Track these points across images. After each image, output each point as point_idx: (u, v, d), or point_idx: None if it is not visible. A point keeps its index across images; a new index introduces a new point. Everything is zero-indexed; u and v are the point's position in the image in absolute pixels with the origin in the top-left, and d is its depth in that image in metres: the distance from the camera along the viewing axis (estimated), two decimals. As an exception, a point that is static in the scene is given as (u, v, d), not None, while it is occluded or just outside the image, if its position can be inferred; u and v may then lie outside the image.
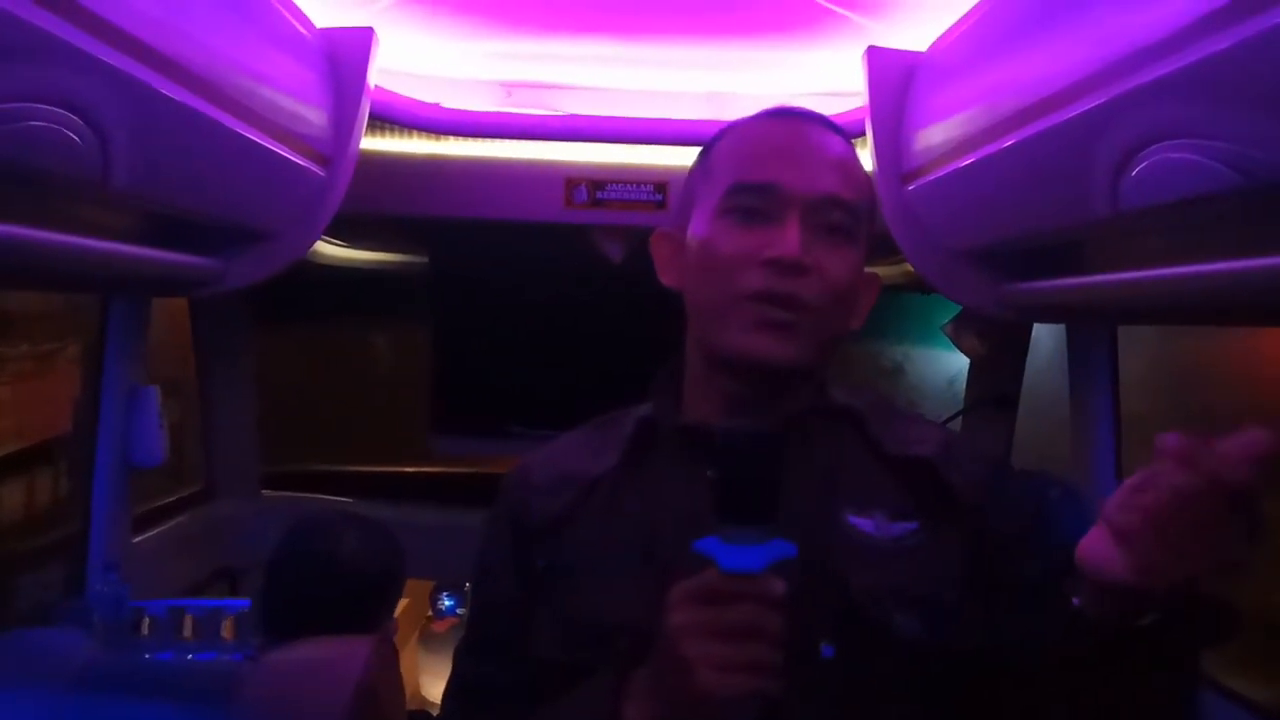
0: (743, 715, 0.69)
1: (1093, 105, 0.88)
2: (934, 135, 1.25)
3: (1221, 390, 1.97)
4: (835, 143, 0.86)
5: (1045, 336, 2.11)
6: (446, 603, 3.38)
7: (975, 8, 1.19)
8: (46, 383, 2.02)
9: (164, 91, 0.97)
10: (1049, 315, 1.51)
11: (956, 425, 2.16)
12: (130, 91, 0.93)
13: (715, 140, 0.89)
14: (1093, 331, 1.67)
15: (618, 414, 0.93)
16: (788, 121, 0.87)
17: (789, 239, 0.79)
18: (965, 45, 1.22)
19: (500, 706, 0.86)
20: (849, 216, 0.82)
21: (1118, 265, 1.05)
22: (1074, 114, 0.91)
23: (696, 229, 0.85)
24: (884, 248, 2.04)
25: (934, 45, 1.36)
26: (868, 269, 0.86)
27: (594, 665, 0.80)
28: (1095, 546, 0.65)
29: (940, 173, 1.22)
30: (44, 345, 2.04)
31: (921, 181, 1.27)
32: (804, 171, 0.82)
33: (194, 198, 1.15)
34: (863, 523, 0.80)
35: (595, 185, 1.84)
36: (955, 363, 2.39)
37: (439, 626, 3.40)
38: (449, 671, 0.93)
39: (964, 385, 2.33)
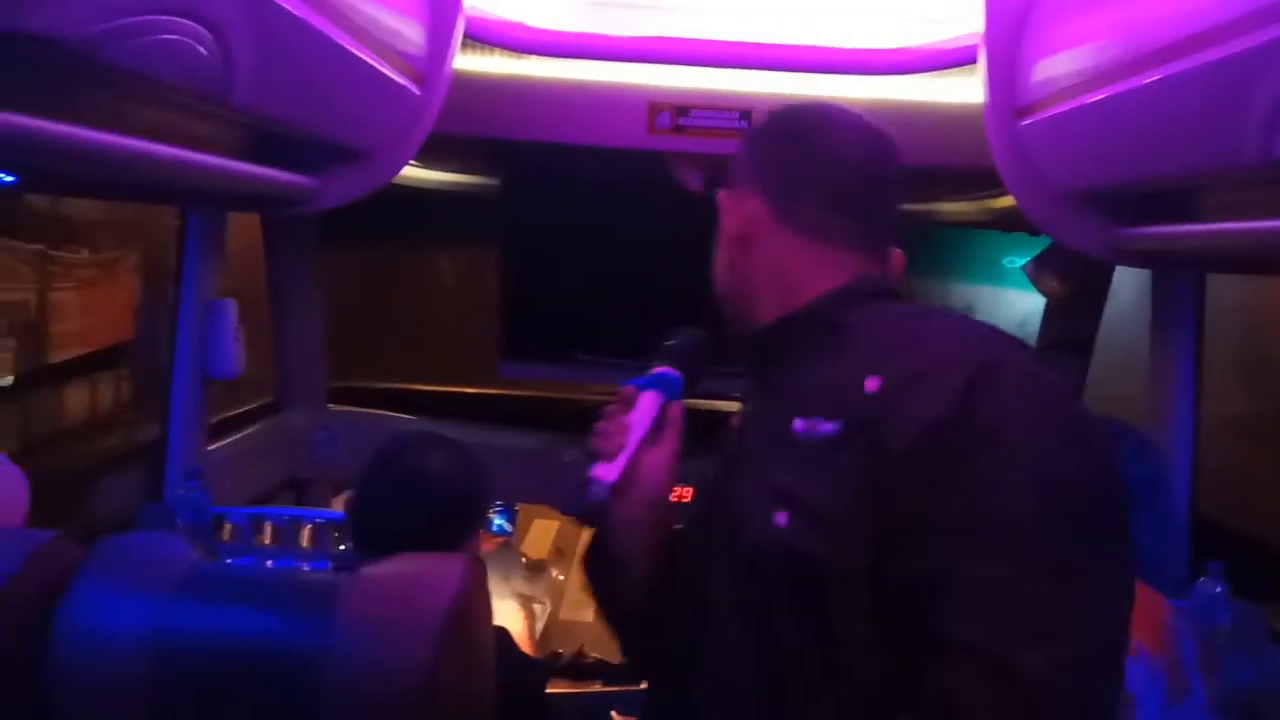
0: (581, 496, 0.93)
1: (1253, 44, 0.84)
2: (1055, 67, 1.20)
3: None
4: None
5: (1126, 281, 2.07)
6: (497, 521, 3.45)
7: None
8: (108, 290, 2.05)
9: (284, 4, 0.96)
10: (1161, 261, 1.47)
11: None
12: (253, 5, 0.92)
13: None
14: (1182, 280, 1.63)
15: None
16: None
17: None
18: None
19: None
20: None
21: (1249, 214, 1.01)
22: (1230, 53, 0.86)
23: None
24: (969, 183, 2.01)
25: (1060, -30, 1.29)
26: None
27: None
28: None
29: (1060, 108, 1.17)
30: (105, 253, 2.06)
31: (1037, 117, 1.23)
32: None
33: (303, 114, 1.15)
34: (798, 424, 0.83)
35: (679, 111, 1.80)
36: (1027, 303, 2.35)
37: (487, 545, 3.47)
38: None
39: (1036, 327, 2.30)
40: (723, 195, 0.99)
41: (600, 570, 1.03)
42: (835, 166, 0.95)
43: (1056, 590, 0.70)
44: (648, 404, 0.98)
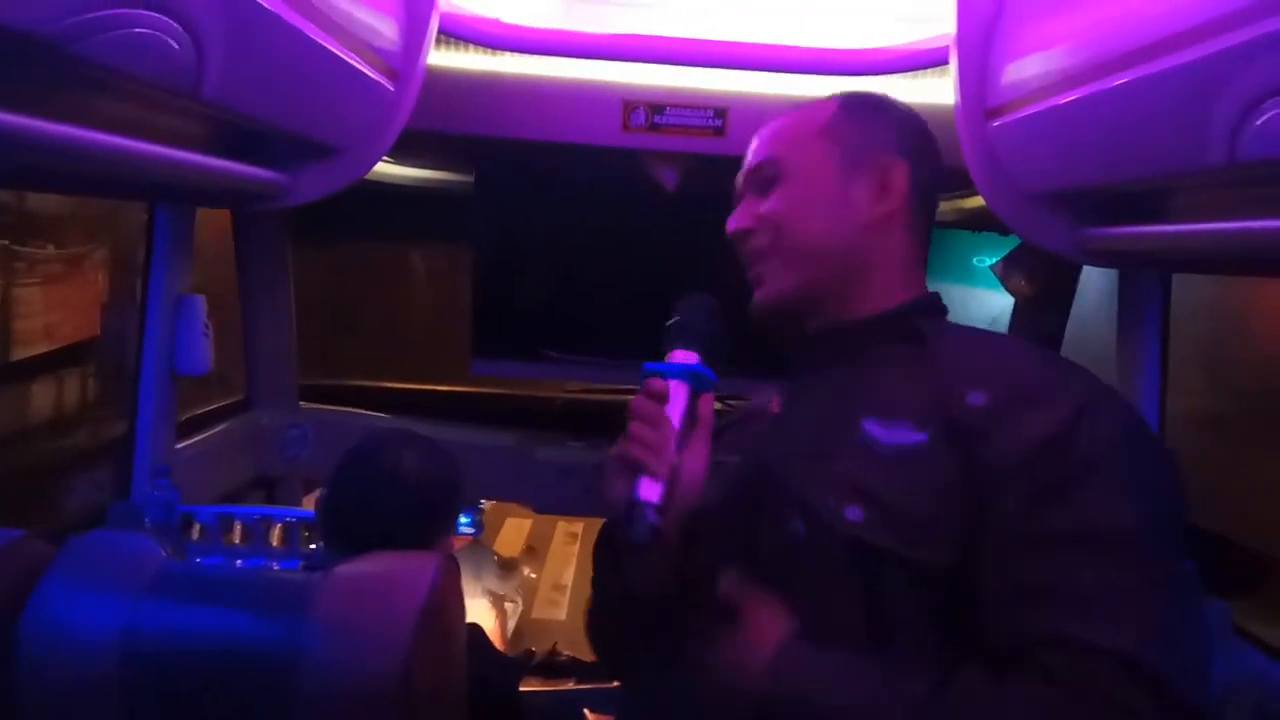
0: (635, 524, 0.86)
1: (1219, 49, 0.86)
2: (1027, 69, 1.21)
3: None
4: (777, 118, 1.00)
5: (1093, 280, 2.09)
6: (463, 519, 3.43)
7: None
8: (74, 285, 2.02)
9: (258, -1, 0.95)
10: (1128, 262, 1.49)
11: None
12: (226, -2, 0.91)
13: None
14: (1148, 280, 1.65)
15: None
16: None
17: (730, 219, 0.99)
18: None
19: None
20: (774, 168, 0.95)
21: (1215, 215, 1.03)
22: (1197, 57, 0.88)
23: None
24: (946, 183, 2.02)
25: (1031, -27, 1.30)
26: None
27: None
28: None
29: (1030, 110, 1.19)
30: (71, 249, 2.03)
31: (1008, 119, 1.24)
32: (749, 156, 0.99)
33: (275, 109, 1.13)
34: (873, 427, 0.84)
35: (654, 109, 1.80)
36: (997, 303, 2.38)
37: (457, 543, 3.45)
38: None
39: (1006, 326, 2.33)
40: (877, 154, 0.94)
41: (612, 562, 0.99)
42: (940, 181, 0.98)
43: (1168, 597, 0.74)
44: (678, 399, 0.88)
